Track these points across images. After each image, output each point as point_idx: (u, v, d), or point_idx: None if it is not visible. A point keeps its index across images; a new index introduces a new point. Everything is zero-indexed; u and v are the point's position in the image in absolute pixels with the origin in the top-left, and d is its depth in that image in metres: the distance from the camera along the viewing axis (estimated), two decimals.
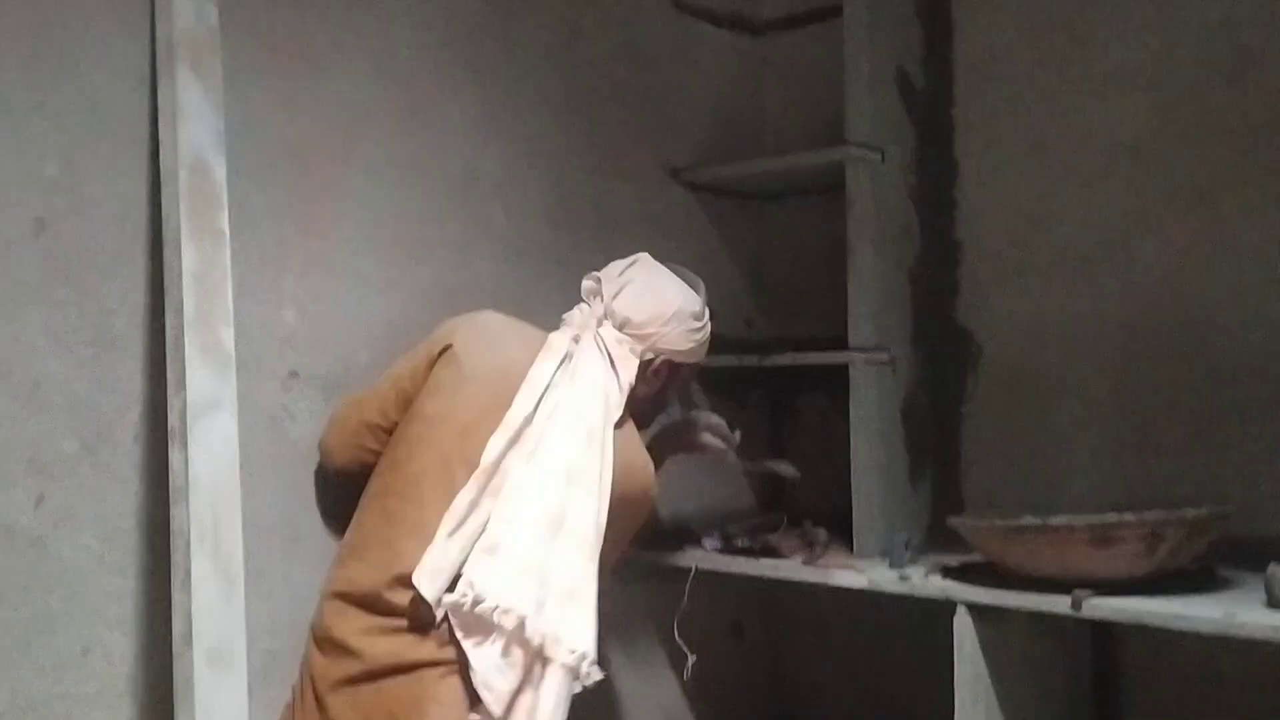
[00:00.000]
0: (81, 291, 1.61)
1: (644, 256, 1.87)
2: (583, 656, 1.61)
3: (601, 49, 2.32)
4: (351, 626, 1.64)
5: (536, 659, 1.60)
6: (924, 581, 1.89)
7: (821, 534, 2.25)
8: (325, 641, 1.67)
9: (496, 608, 1.58)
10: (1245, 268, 1.95)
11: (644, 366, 1.82)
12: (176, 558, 1.51)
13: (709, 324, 1.89)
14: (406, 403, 1.77)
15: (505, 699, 1.57)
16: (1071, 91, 2.16)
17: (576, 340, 1.79)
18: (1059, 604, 1.70)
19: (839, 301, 2.20)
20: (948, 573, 1.91)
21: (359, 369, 1.91)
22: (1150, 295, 2.06)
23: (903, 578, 1.93)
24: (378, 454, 1.78)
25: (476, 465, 1.66)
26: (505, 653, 1.59)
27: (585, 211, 2.27)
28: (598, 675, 1.63)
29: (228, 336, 1.57)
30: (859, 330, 2.19)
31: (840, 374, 2.19)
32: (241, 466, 1.68)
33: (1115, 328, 2.11)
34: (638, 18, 2.40)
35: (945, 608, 1.82)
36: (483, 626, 1.59)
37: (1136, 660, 2.07)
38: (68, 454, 1.60)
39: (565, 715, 1.62)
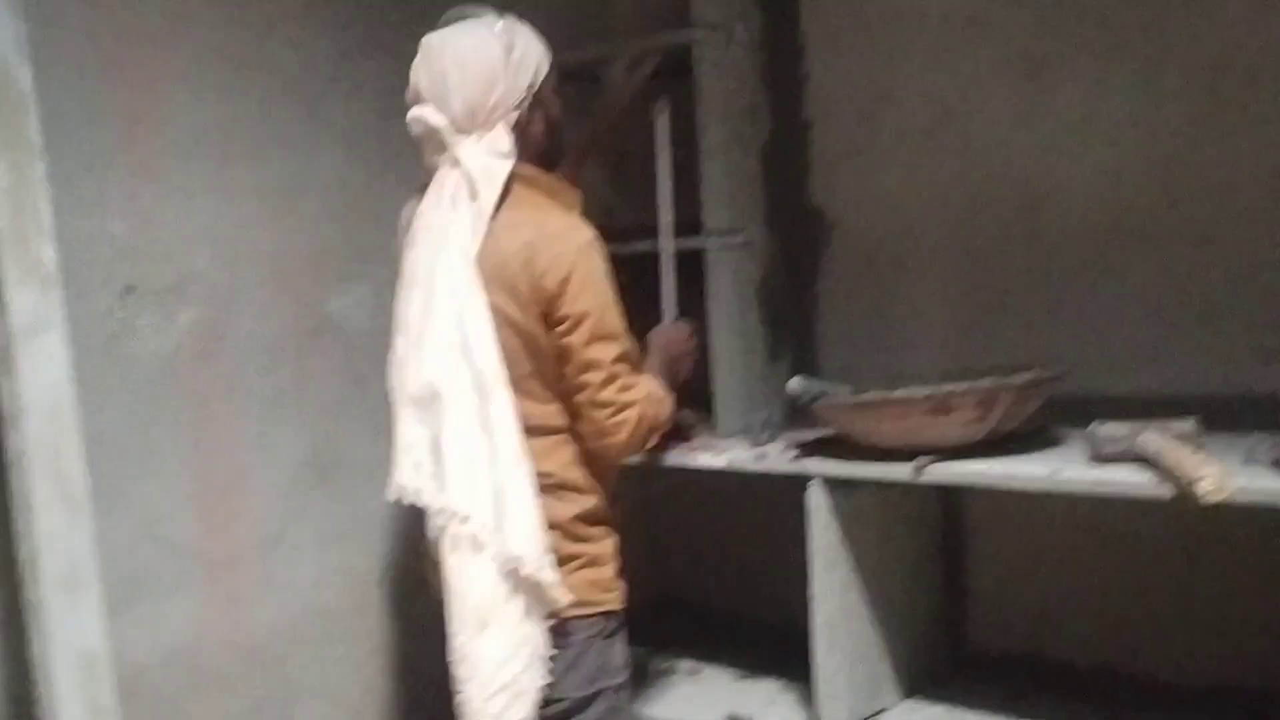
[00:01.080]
0: None
1: (424, 42, 1.67)
2: (450, 515, 1.57)
3: None
4: None
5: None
6: (779, 458, 1.96)
7: (689, 415, 2.30)
8: None
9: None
10: (1075, 137, 2.02)
11: (521, 128, 1.67)
12: (15, 485, 1.47)
13: (523, 33, 1.69)
14: None
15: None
16: None
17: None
18: (902, 471, 1.78)
19: (696, 185, 2.21)
20: (803, 448, 1.99)
21: (199, 278, 1.86)
22: (986, 166, 2.12)
23: (759, 456, 2.00)
24: None
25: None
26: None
27: None
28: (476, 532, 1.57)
29: (49, 253, 1.50)
30: (713, 214, 2.20)
31: (699, 258, 2.21)
32: (81, 385, 1.63)
33: (956, 199, 2.17)
34: None
35: (801, 482, 1.90)
36: None
37: (980, 518, 2.20)
38: None
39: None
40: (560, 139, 1.80)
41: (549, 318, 1.62)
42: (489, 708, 1.58)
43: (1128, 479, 1.58)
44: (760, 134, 2.28)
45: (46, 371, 1.47)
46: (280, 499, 1.97)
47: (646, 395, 1.71)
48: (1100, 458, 1.66)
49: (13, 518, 1.49)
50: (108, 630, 1.57)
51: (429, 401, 1.58)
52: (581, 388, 1.65)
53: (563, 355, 1.64)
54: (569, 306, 1.61)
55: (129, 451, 1.77)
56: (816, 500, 1.88)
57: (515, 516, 1.57)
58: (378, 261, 2.02)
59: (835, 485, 1.89)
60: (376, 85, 2.10)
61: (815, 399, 1.89)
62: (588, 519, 1.71)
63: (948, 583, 2.21)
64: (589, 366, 1.64)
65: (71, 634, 1.43)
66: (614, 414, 1.66)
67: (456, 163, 1.63)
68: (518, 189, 1.66)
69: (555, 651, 1.65)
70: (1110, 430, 1.66)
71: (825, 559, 1.90)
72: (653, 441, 1.81)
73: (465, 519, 1.56)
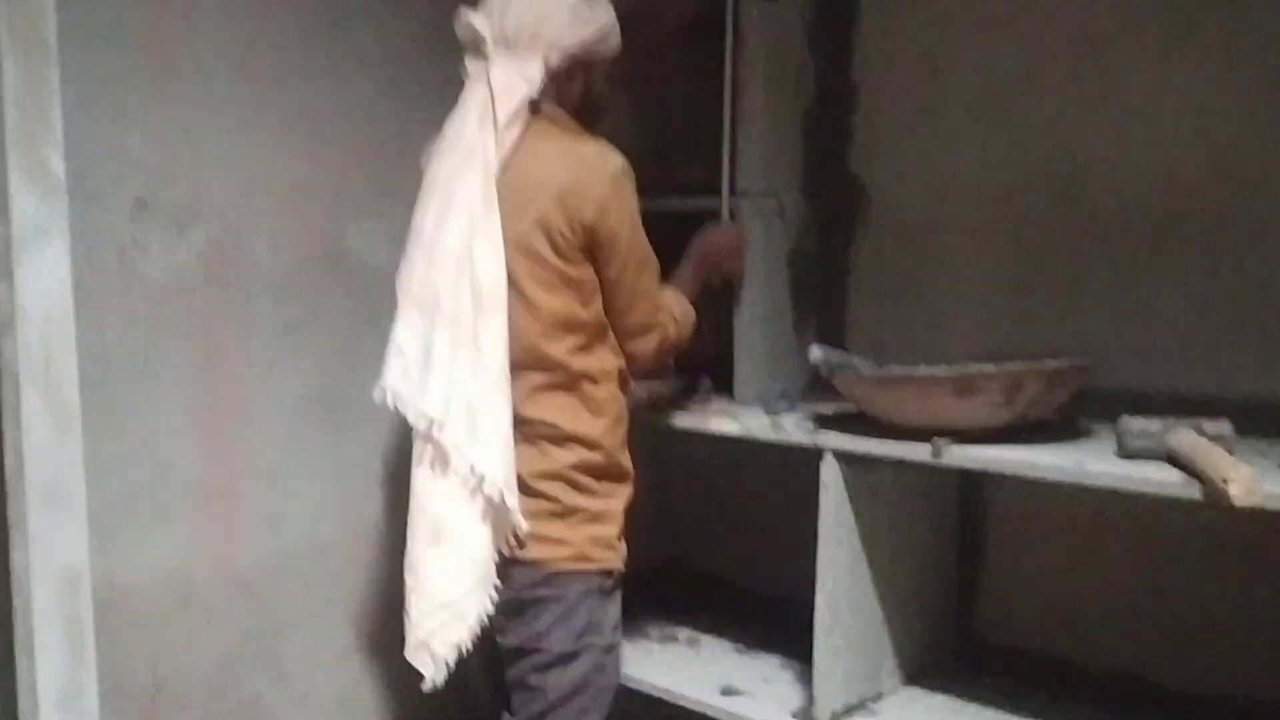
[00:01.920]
0: None
1: None
2: (425, 418, 1.58)
3: None
4: None
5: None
6: (794, 429, 1.90)
7: (706, 382, 2.25)
8: None
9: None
10: (1132, 122, 1.93)
11: (557, 76, 1.67)
12: (5, 393, 1.44)
13: (604, 9, 1.71)
14: None
15: None
16: None
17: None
18: (920, 451, 1.72)
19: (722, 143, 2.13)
20: (821, 421, 1.93)
21: (215, 200, 1.82)
22: (1036, 145, 2.03)
23: (775, 426, 1.94)
24: None
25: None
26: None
27: None
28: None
29: (56, 160, 1.47)
30: (746, 174, 2.13)
31: (729, 219, 2.14)
32: (85, 299, 1.61)
33: (1001, 178, 2.08)
34: None
35: (816, 455, 1.84)
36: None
37: (1000, 506, 2.13)
38: None
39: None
40: (594, 118, 1.78)
41: (587, 246, 1.62)
42: (426, 623, 1.58)
43: (1155, 476, 1.50)
44: (803, 96, 2.21)
45: (46, 279, 1.44)
46: (283, 431, 1.94)
47: (672, 317, 1.76)
48: (1128, 453, 1.59)
49: (1, 427, 1.47)
50: (96, 547, 1.55)
51: (428, 308, 1.59)
52: (620, 312, 1.68)
53: (598, 282, 1.66)
54: (606, 234, 1.62)
55: (131, 370, 1.74)
56: (830, 475, 1.83)
57: (486, 435, 1.57)
58: (400, 198, 1.96)
59: (851, 461, 1.82)
60: (418, 17, 2.04)
61: (836, 370, 1.83)
62: (593, 471, 1.68)
63: (960, 570, 2.14)
64: (629, 293, 1.67)
65: (53, 549, 1.41)
66: (641, 334, 1.72)
67: (485, 78, 1.62)
68: (543, 123, 1.65)
69: (548, 600, 1.63)
70: (1140, 425, 1.58)
71: (834, 535, 1.84)
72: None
73: (441, 427, 1.56)
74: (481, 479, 1.56)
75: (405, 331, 1.62)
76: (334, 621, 2.05)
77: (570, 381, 1.66)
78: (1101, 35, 1.95)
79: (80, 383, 1.54)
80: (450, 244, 1.58)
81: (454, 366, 1.56)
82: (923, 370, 1.75)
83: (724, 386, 2.21)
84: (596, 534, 1.69)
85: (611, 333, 1.72)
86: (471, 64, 1.67)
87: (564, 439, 1.65)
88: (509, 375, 1.59)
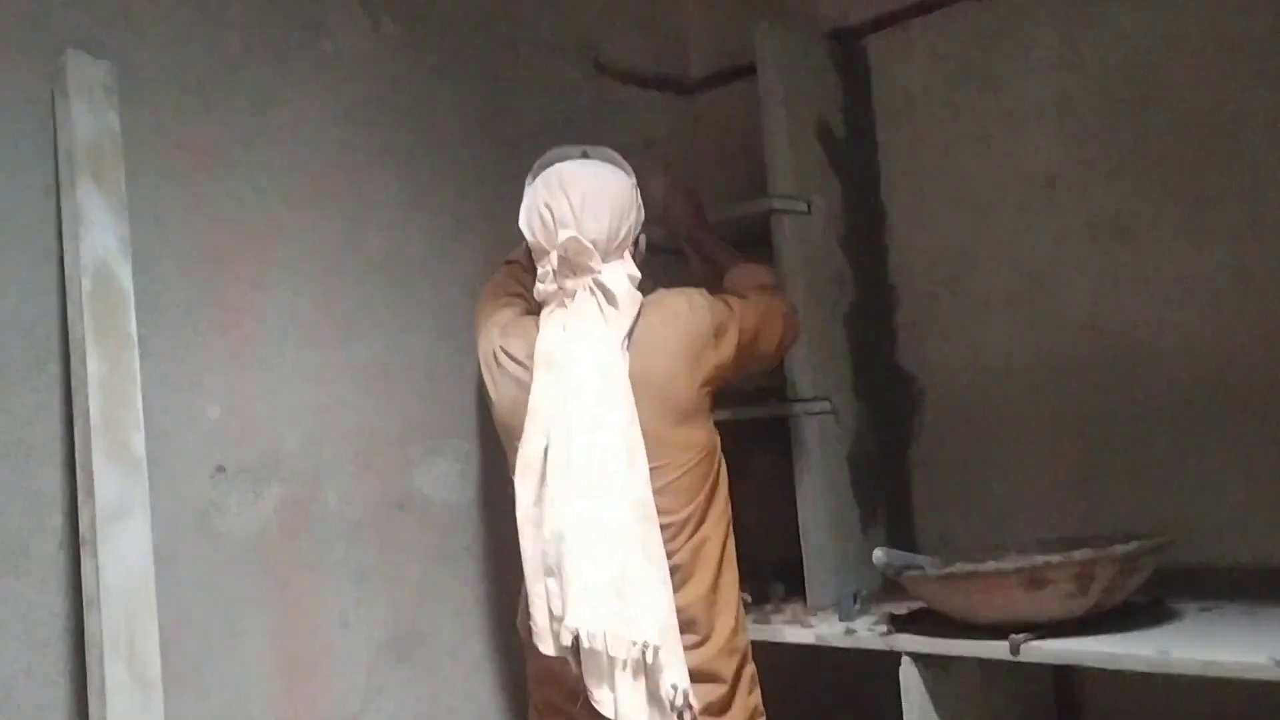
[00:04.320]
0: None
1: (559, 172, 1.75)
2: (644, 646, 1.55)
3: (527, 121, 2.33)
4: None
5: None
6: (868, 634, 1.87)
7: (780, 588, 2.24)
8: None
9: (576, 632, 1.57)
10: (1165, 298, 1.95)
11: (634, 256, 1.78)
12: (92, 666, 1.50)
13: (630, 171, 1.82)
14: None
15: None
16: (987, 131, 2.17)
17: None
18: (998, 649, 1.68)
19: None
20: (895, 622, 1.89)
21: (289, 456, 1.91)
22: (1077, 327, 2.06)
23: (849, 631, 1.91)
24: None
25: None
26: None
27: None
28: (669, 671, 1.56)
29: (137, 440, 1.57)
30: (797, 382, 2.18)
31: (787, 425, 2.18)
32: (169, 564, 1.68)
33: (1048, 360, 2.10)
34: (564, 86, 2.43)
35: (895, 659, 1.80)
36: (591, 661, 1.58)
37: (1098, 697, 2.04)
38: None
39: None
40: (651, 256, 1.91)
41: (726, 360, 1.76)
42: None
43: (1241, 660, 1.45)
44: (844, 300, 2.28)
45: (129, 555, 1.51)
46: (362, 677, 1.96)
47: (755, 302, 1.85)
48: None
49: (89, 699, 1.52)
50: None
51: (613, 538, 1.59)
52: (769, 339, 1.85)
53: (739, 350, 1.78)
54: (728, 335, 1.75)
55: (213, 630, 1.79)
56: (909, 678, 1.78)
57: (675, 650, 1.58)
58: (462, 435, 2.05)
59: (929, 662, 1.78)
60: (463, 268, 2.18)
61: (902, 572, 1.81)
62: (739, 642, 1.73)
63: None
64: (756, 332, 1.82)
65: None
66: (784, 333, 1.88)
67: (596, 287, 1.69)
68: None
69: None
70: None
71: None
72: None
73: (656, 651, 1.55)
74: (675, 689, 1.56)
75: (587, 565, 1.58)
76: None
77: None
78: (1127, 214, 2.00)
79: (162, 647, 1.60)
80: (613, 468, 1.60)
81: (647, 587, 1.58)
82: (990, 565, 1.73)
83: (796, 591, 2.19)
84: (755, 704, 1.74)
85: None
86: (565, 277, 1.71)
87: (736, 631, 1.71)
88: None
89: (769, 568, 2.25)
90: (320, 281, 1.99)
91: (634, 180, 1.80)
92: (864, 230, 2.33)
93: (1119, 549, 1.66)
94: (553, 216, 1.71)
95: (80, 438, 1.56)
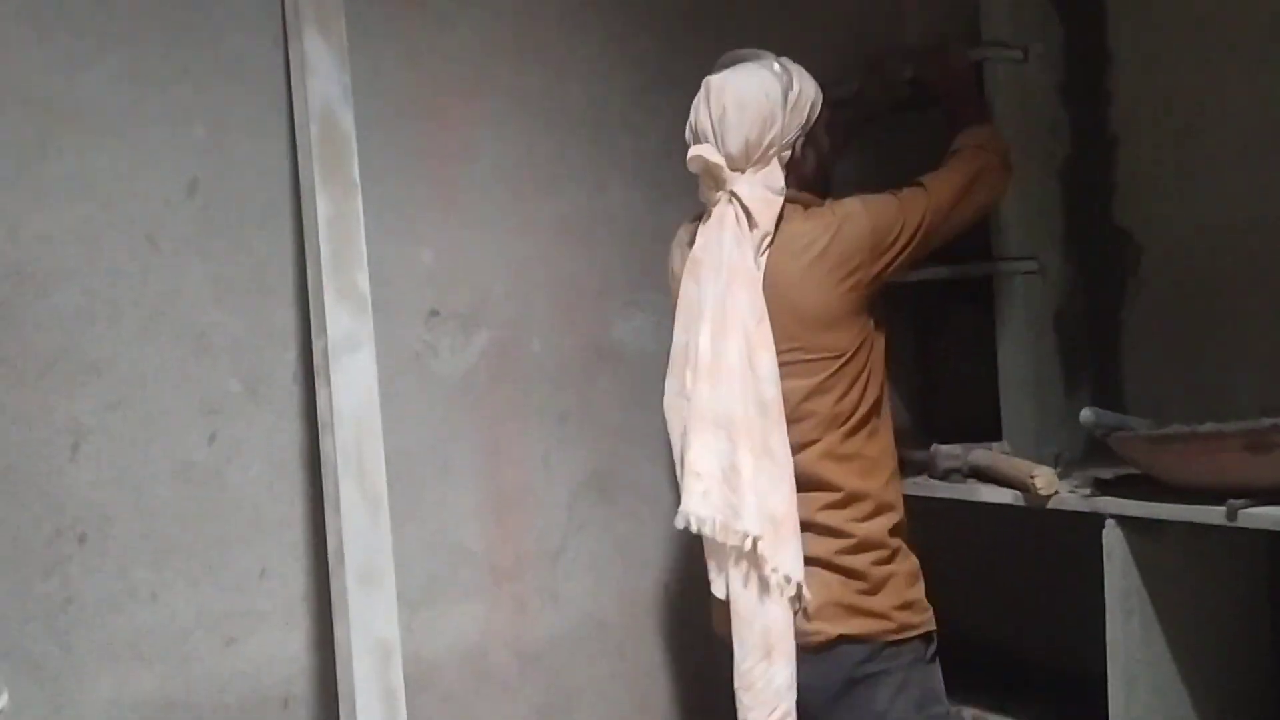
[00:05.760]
0: (235, 244, 1.75)
1: (706, 83, 1.74)
2: (744, 536, 1.60)
3: None
4: None
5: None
6: (1070, 496, 1.83)
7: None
8: None
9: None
10: None
11: (793, 163, 1.75)
12: (327, 485, 1.63)
13: (799, 74, 1.75)
14: None
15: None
16: None
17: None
18: (1213, 515, 1.61)
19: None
20: (1100, 485, 1.84)
21: (495, 303, 1.99)
22: None
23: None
24: None
25: None
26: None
27: None
28: (778, 562, 1.60)
29: (363, 280, 1.67)
30: (1002, 239, 2.10)
31: (991, 284, 2.12)
32: (387, 400, 1.80)
33: None
34: None
35: (1098, 522, 1.76)
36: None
37: None
38: (234, 394, 1.75)
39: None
40: (829, 173, 1.86)
41: (893, 261, 1.73)
42: None
43: None
44: (1059, 153, 2.16)
45: (357, 385, 1.63)
46: (563, 514, 2.07)
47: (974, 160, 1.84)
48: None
49: (325, 514, 1.66)
50: (404, 625, 1.71)
51: (725, 428, 1.63)
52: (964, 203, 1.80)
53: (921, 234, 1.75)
54: (898, 237, 1.72)
55: (428, 462, 1.92)
56: (1113, 543, 1.74)
57: (789, 543, 1.61)
58: (658, 289, 2.08)
59: (1135, 526, 1.73)
60: (664, 120, 2.17)
61: (1111, 432, 1.75)
62: (895, 531, 1.74)
63: (1277, 642, 1.96)
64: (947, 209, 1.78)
65: (370, 624, 1.57)
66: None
67: (733, 198, 1.69)
68: (788, 208, 1.72)
69: (880, 675, 1.68)
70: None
71: (1123, 608, 1.74)
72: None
73: (759, 542, 1.60)
74: (787, 581, 1.60)
75: (701, 454, 1.64)
76: (617, 695, 2.13)
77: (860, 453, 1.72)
78: None
79: (387, 475, 1.72)
80: (733, 362, 1.63)
81: (760, 482, 1.61)
82: (1209, 427, 1.64)
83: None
84: (911, 599, 1.73)
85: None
86: (709, 190, 1.73)
87: (881, 508, 1.72)
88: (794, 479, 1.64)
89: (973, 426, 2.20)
90: (523, 132, 2.03)
91: (789, 84, 1.72)
92: (1086, 77, 2.19)
93: None
94: (695, 130, 1.74)
95: (312, 277, 1.67)
